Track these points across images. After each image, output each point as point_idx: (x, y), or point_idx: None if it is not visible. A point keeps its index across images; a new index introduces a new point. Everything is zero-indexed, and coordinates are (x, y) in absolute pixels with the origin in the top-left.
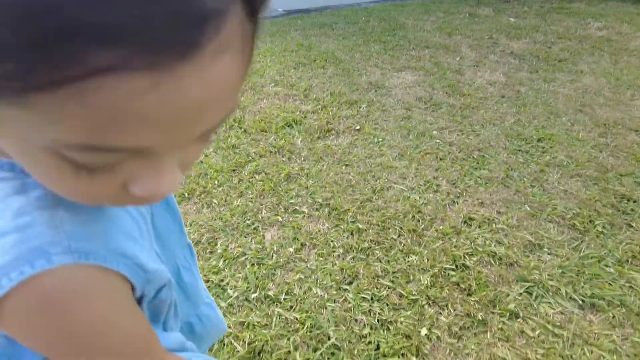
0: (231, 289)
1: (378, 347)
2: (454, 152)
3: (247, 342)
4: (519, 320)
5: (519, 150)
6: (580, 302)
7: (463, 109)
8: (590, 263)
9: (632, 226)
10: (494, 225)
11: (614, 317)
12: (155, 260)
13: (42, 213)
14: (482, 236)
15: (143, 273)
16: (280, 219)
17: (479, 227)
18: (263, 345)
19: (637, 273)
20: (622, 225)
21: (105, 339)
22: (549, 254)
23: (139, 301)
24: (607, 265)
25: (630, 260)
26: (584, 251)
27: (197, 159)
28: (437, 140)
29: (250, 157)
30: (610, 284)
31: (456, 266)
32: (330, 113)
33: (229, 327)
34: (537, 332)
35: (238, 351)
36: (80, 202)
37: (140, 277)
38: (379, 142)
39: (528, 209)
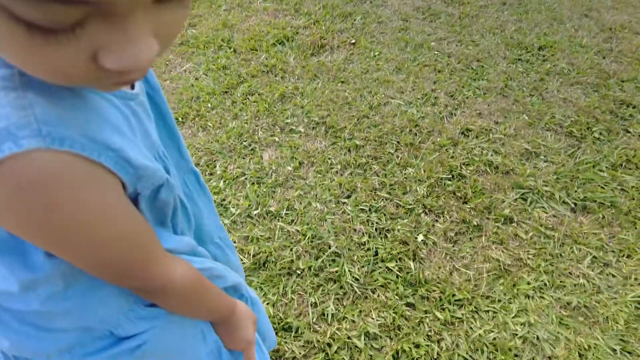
0: (233, 207)
1: (376, 253)
2: (453, 63)
3: (252, 254)
4: (513, 224)
5: (519, 60)
6: (573, 205)
7: (462, 18)
8: (585, 168)
9: (629, 131)
10: (491, 135)
11: (603, 217)
12: (148, 159)
13: (7, 94)
14: (479, 146)
15: (131, 168)
16: (277, 139)
17: (476, 137)
18: (267, 257)
19: (630, 176)
20: (619, 131)
21: (88, 232)
22: (545, 161)
23: (135, 200)
24: (601, 170)
25: (624, 164)
26: (579, 157)
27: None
28: (436, 52)
29: (242, 78)
30: (602, 187)
31: (452, 176)
32: (324, 27)
33: (235, 242)
34: (530, 234)
35: (244, 263)
36: (51, 81)
37: (127, 172)
38: (375, 56)
39: (526, 118)
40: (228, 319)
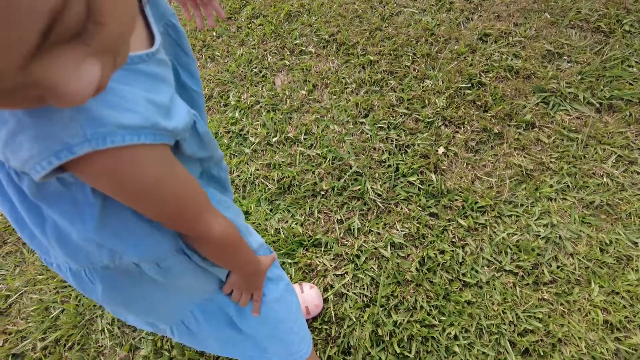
0: (252, 137)
1: (397, 169)
2: None
3: (276, 180)
4: (534, 129)
5: None
6: (598, 105)
7: None
8: (613, 65)
9: None
10: (510, 38)
11: (630, 115)
12: (175, 114)
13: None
14: (498, 51)
15: (166, 132)
16: (287, 62)
17: (495, 42)
18: (291, 181)
19: None
20: None
21: (152, 196)
22: (568, 61)
23: (177, 144)
24: (630, 66)
25: None
26: (607, 54)
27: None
28: None
29: (244, 1)
30: (631, 83)
31: (472, 85)
32: None
33: (257, 170)
34: (552, 138)
35: (269, 188)
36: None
37: (164, 136)
38: None
39: (548, 16)
40: (250, 275)
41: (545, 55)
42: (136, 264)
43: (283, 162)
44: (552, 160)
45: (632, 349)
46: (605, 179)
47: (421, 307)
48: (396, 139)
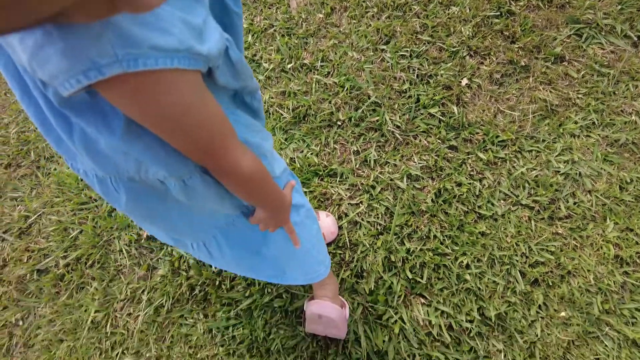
0: (266, 62)
1: (418, 100)
2: None
3: (291, 109)
4: (563, 63)
5: None
6: (636, 38)
7: None
8: None
9: None
10: None
11: None
12: (208, 37)
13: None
14: None
15: (201, 57)
16: None
17: None
18: (307, 110)
19: None
20: None
21: (179, 123)
22: None
23: (210, 72)
24: None
25: None
26: None
27: None
28: None
29: None
30: None
31: (500, 13)
32: None
33: (272, 98)
34: (582, 73)
35: (284, 117)
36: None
37: (199, 61)
38: None
39: None
40: (275, 211)
41: None
42: (161, 182)
43: (298, 90)
44: (580, 96)
45: (639, 282)
46: (633, 117)
47: (434, 236)
48: (418, 69)
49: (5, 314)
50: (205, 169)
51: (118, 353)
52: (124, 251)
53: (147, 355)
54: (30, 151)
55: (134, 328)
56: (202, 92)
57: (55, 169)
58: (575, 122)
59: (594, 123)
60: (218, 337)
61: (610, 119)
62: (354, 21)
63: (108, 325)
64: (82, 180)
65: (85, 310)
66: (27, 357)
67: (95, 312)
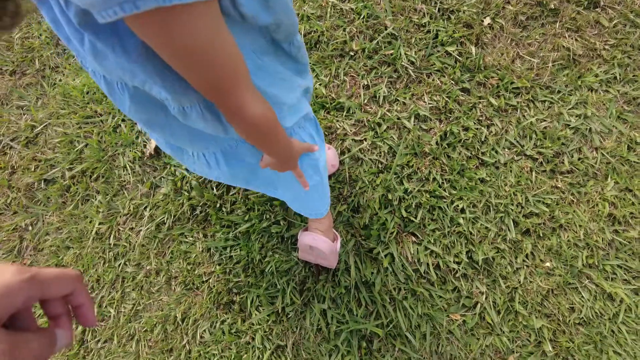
0: None
1: (436, 36)
2: None
3: (302, 34)
4: (597, 9)
5: None
6: None
7: None
8: None
9: None
10: None
11: None
12: None
13: None
14: None
15: None
16: None
17: None
18: (319, 37)
19: None
20: None
21: (200, 56)
22: None
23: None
24: None
25: None
26: None
27: None
28: None
29: None
30: None
31: None
32: None
33: None
34: (614, 22)
35: None
36: None
37: None
38: None
39: None
40: (281, 160)
41: None
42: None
43: (312, 13)
44: (606, 47)
45: (626, 241)
46: None
47: (434, 179)
48: (441, 2)
49: (16, 218)
50: (209, 104)
51: (120, 263)
52: (128, 167)
53: (148, 267)
54: (35, 59)
55: (136, 242)
56: (220, 26)
57: (60, 80)
58: (596, 75)
59: (615, 77)
60: (216, 256)
61: (634, 75)
62: None
63: (111, 237)
64: (87, 93)
65: (90, 222)
66: (37, 260)
67: (100, 224)
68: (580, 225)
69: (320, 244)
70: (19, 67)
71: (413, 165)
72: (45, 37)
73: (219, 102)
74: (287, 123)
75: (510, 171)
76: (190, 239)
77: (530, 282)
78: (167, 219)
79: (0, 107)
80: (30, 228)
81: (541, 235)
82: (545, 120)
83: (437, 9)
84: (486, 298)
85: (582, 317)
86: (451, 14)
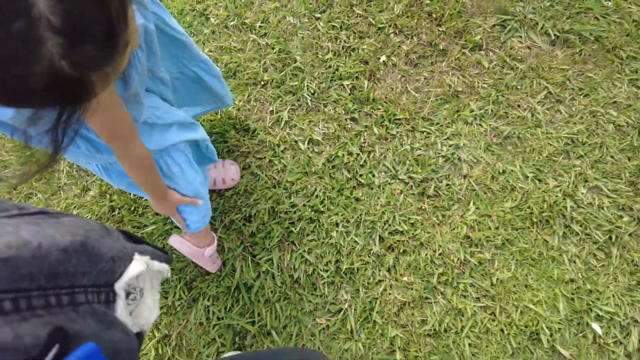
0: (213, 17)
1: (337, 70)
2: None
3: (224, 64)
4: (480, 52)
5: None
6: (554, 37)
7: None
8: None
9: None
10: None
11: (580, 53)
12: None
13: None
14: None
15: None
16: None
17: None
18: (237, 67)
19: (637, 7)
20: None
21: (107, 114)
22: None
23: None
24: None
25: None
26: None
27: None
28: None
29: None
30: (597, 18)
31: None
32: None
33: (211, 51)
34: (493, 64)
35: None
36: None
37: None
38: None
39: None
40: (158, 200)
41: None
42: None
43: (235, 47)
44: (484, 85)
45: (479, 262)
46: (526, 113)
47: (317, 195)
48: (345, 41)
49: None
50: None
51: None
52: (66, 171)
53: None
54: None
55: None
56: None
57: None
58: (472, 110)
59: (488, 113)
60: None
61: (505, 112)
62: None
63: None
64: None
65: None
66: None
67: None
68: (439, 245)
69: (184, 249)
70: None
71: (301, 182)
72: None
73: (113, 145)
74: (151, 145)
75: (383, 192)
76: None
77: (389, 293)
78: (91, 217)
79: None
80: None
81: (403, 251)
82: (420, 149)
83: (341, 47)
84: (349, 305)
85: (432, 330)
86: (352, 52)
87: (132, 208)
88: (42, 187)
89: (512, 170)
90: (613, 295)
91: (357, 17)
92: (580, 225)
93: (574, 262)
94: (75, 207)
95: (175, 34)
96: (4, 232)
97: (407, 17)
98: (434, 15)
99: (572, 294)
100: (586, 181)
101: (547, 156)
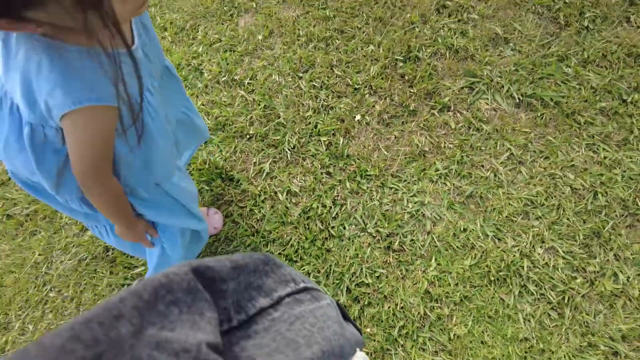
0: (206, 72)
1: (316, 127)
2: None
3: (215, 117)
4: (448, 112)
5: None
6: (518, 100)
7: None
8: (550, 62)
9: (629, 20)
10: (466, 14)
11: (542, 116)
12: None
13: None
14: (447, 26)
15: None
16: (255, 4)
17: (449, 16)
18: (226, 120)
19: (597, 75)
20: (617, 20)
21: (99, 146)
22: (512, 49)
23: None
24: (568, 65)
25: (597, 60)
26: (552, 49)
27: None
28: None
29: None
30: (559, 84)
31: (408, 58)
32: None
33: (203, 105)
34: (460, 125)
35: (208, 123)
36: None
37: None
38: None
39: None
40: (127, 228)
41: (493, 39)
42: None
43: (224, 102)
44: (450, 146)
45: (438, 317)
46: (489, 174)
47: (291, 245)
48: (324, 99)
49: None
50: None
51: (47, 289)
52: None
53: (65, 294)
54: None
55: (61, 272)
56: (113, 129)
57: None
58: (437, 170)
59: (452, 172)
60: (115, 290)
61: (469, 172)
62: (285, 47)
63: (44, 267)
64: None
65: (32, 252)
66: None
67: (38, 255)
68: (402, 299)
69: None
70: None
71: (278, 231)
72: None
73: (85, 184)
74: (150, 216)
75: (352, 244)
76: (100, 274)
77: None
78: (87, 256)
79: None
80: None
81: (367, 303)
82: (388, 204)
83: (320, 105)
84: None
85: None
86: (330, 110)
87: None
88: (45, 225)
89: (473, 229)
90: (565, 356)
91: (336, 77)
92: (536, 285)
93: (529, 320)
94: (74, 245)
95: (174, 72)
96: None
97: (382, 78)
98: (407, 77)
99: (525, 352)
100: (543, 242)
101: (507, 216)
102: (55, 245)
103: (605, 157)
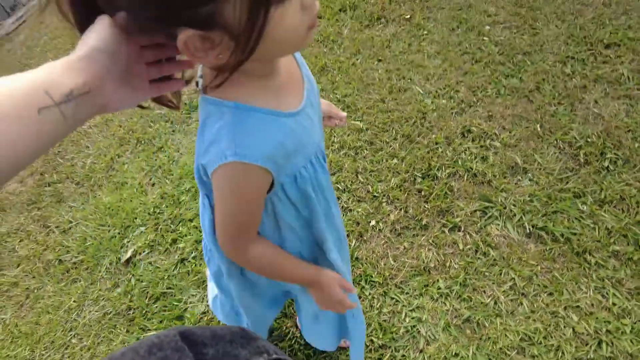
0: None
1: None
2: (494, 53)
3: None
4: (458, 232)
5: (572, 58)
6: (528, 230)
7: (535, 0)
8: (566, 197)
9: None
10: (489, 141)
11: (551, 251)
12: (299, 159)
13: (222, 125)
14: (469, 150)
15: (279, 168)
16: None
17: (472, 140)
18: None
19: (612, 216)
20: (638, 164)
21: (238, 207)
22: (530, 179)
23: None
24: (584, 203)
25: (615, 201)
26: (569, 184)
27: None
28: (484, 38)
29: None
30: (572, 220)
31: (428, 175)
32: None
33: None
34: (468, 246)
35: None
36: (271, 57)
37: (277, 170)
38: (421, 35)
39: (538, 128)
40: (311, 285)
41: (512, 167)
42: None
43: None
44: (455, 266)
45: None
46: (489, 300)
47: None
48: (345, 202)
49: (30, 281)
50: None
51: (71, 335)
52: (106, 267)
53: (85, 343)
54: (92, 177)
55: (87, 322)
56: (265, 193)
57: (99, 194)
58: (439, 288)
59: (453, 293)
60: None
61: (469, 295)
62: None
63: (75, 314)
64: (108, 208)
65: (69, 298)
66: (28, 315)
67: (73, 301)
68: None
69: None
70: (83, 180)
71: (281, 325)
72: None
73: (231, 249)
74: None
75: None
76: (118, 330)
77: None
78: (112, 311)
79: (59, 204)
80: (35, 291)
81: None
82: (386, 315)
83: (341, 207)
84: None
85: None
86: (349, 212)
87: (144, 312)
88: (85, 275)
89: (465, 355)
90: None
91: (359, 183)
92: None
93: None
94: (103, 299)
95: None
96: None
97: (400, 190)
98: (423, 193)
99: None
100: None
101: (500, 348)
102: (89, 295)
103: (614, 304)
